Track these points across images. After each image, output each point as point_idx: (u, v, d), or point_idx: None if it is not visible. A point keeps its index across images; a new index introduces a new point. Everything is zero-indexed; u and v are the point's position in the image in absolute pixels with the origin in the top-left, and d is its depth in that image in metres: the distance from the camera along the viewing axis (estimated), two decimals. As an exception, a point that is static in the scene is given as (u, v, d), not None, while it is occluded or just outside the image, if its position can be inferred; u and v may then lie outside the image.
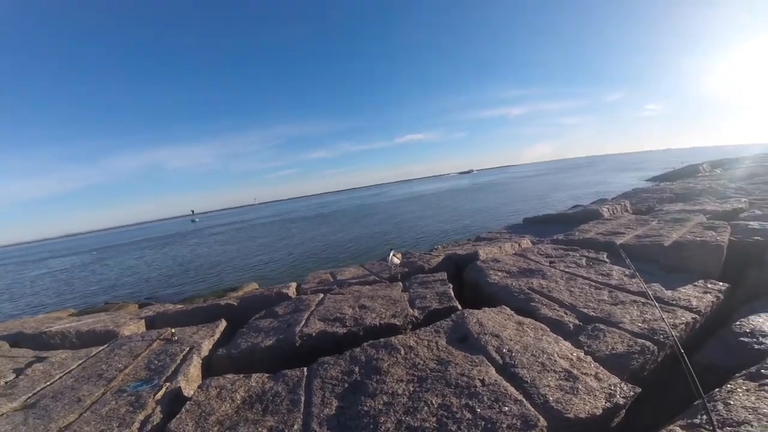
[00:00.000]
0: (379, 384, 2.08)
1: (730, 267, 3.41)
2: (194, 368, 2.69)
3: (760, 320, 2.28)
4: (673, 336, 2.18)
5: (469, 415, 1.72)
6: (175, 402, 2.26)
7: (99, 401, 2.31)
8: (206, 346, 3.03)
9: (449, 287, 3.59)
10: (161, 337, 3.22)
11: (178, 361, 2.73)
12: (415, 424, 1.72)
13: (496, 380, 1.97)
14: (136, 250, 32.98)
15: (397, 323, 2.95)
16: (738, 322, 2.30)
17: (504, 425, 1.62)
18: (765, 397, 1.58)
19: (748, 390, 1.65)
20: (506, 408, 1.72)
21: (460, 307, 3.12)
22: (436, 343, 2.45)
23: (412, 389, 1.99)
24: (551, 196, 24.42)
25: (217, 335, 3.30)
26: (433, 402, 1.85)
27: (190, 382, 2.53)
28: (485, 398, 1.82)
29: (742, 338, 2.14)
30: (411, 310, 3.13)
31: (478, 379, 1.99)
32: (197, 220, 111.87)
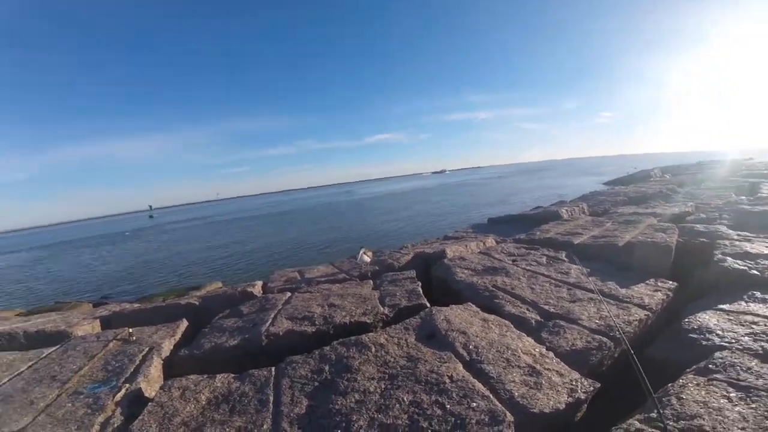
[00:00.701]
0: (351, 382, 2.07)
1: (678, 267, 3.66)
2: (155, 369, 2.57)
3: (706, 317, 2.42)
4: (621, 334, 2.29)
5: (439, 412, 1.75)
6: (136, 404, 2.16)
7: (54, 404, 2.17)
8: (167, 347, 2.90)
9: (418, 285, 3.64)
10: (118, 337, 3.04)
11: (138, 362, 2.60)
12: (388, 422, 1.73)
13: (463, 376, 2.01)
14: (90, 247, 30.93)
15: (368, 321, 2.95)
16: (687, 319, 2.43)
17: (473, 421, 1.66)
18: (714, 392, 1.69)
19: (698, 384, 1.75)
20: (474, 404, 1.77)
21: (428, 305, 3.16)
22: (406, 340, 2.47)
23: (383, 387, 2.00)
24: (515, 198, 25.27)
25: (178, 335, 3.16)
26: (405, 399, 1.87)
27: (151, 383, 2.42)
28: (454, 394, 1.86)
29: (691, 334, 2.26)
30: (381, 308, 3.14)
31: (447, 375, 2.03)
32: (155, 215, 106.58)
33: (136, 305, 4.75)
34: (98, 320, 3.82)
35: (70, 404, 2.14)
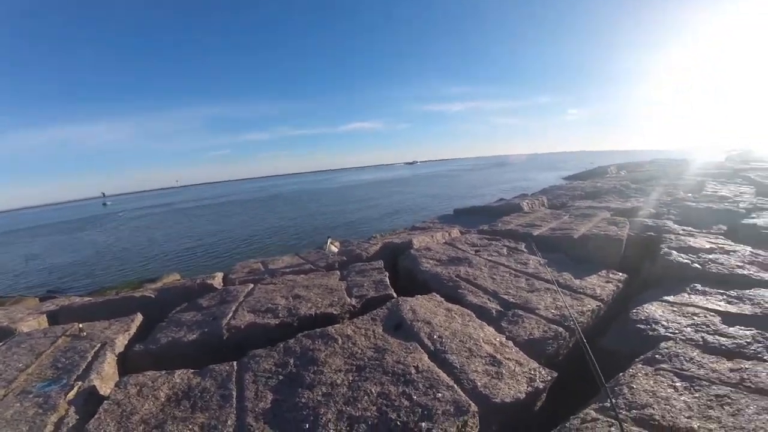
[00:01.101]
0: (317, 375, 2.05)
1: (629, 259, 3.88)
2: (108, 366, 2.43)
3: (652, 308, 2.55)
4: (576, 324, 2.37)
5: (406, 403, 1.76)
6: (90, 402, 2.05)
7: (0, 404, 2.01)
8: (120, 342, 2.75)
9: (385, 275, 3.65)
10: (67, 333, 2.85)
11: (89, 359, 2.45)
12: (357, 414, 1.73)
13: (429, 367, 2.04)
14: (36, 237, 28.67)
15: (335, 312, 2.93)
16: (634, 310, 2.56)
17: (439, 411, 1.68)
18: (661, 381, 1.79)
19: (647, 374, 1.85)
20: (440, 394, 1.79)
21: (395, 295, 3.18)
22: (373, 331, 2.47)
23: (351, 379, 2.00)
24: (482, 189, 25.96)
25: (132, 330, 3.01)
26: (373, 391, 1.87)
27: (105, 380, 2.30)
28: (420, 385, 1.87)
29: (638, 325, 2.37)
30: (348, 299, 3.13)
31: (413, 366, 2.04)
32: (109, 203, 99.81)
33: (86, 299, 4.47)
34: (45, 315, 3.57)
35: (18, 404, 2.00)
